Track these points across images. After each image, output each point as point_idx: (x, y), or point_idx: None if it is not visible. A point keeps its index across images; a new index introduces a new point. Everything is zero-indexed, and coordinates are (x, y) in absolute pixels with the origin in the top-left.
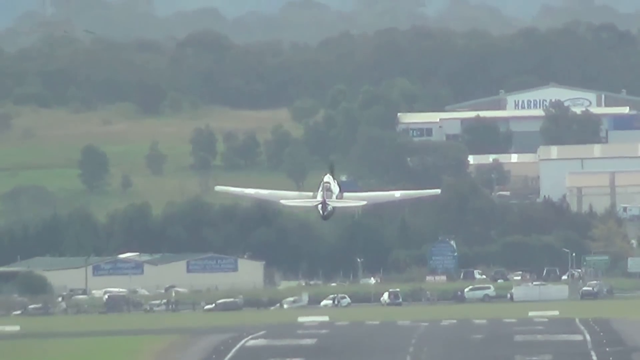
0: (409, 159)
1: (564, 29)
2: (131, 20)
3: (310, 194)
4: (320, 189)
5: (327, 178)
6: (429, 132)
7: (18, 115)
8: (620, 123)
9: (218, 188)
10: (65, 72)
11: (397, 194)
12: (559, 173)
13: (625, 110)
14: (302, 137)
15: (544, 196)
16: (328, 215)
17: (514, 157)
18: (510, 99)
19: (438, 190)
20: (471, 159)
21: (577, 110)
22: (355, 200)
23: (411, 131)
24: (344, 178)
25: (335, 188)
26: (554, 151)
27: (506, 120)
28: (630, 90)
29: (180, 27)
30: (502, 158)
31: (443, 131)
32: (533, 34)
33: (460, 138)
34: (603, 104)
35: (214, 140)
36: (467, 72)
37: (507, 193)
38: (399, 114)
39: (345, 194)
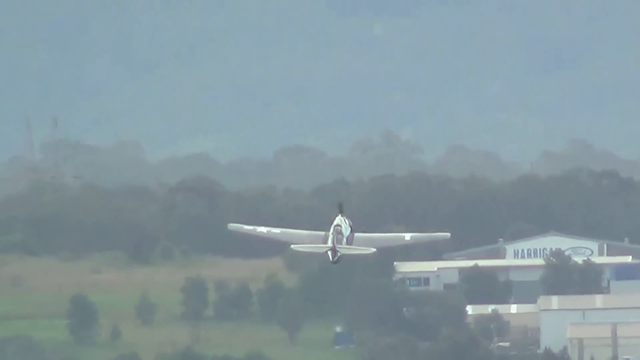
0: (405, 309)
1: (565, 176)
2: (121, 166)
3: (322, 234)
4: (332, 232)
5: (338, 220)
6: (426, 281)
7: (4, 264)
8: (623, 273)
9: (232, 226)
10: (53, 219)
11: (407, 236)
12: (560, 324)
13: (628, 259)
14: (296, 286)
15: (545, 347)
16: (337, 260)
17: (514, 308)
18: (510, 247)
19: (448, 235)
20: (470, 309)
21: (579, 259)
22: (366, 246)
23: (408, 280)
24: (338, 329)
25: (346, 230)
26: (555, 301)
27: (505, 269)
28: (633, 239)
29: (171, 172)
30: (502, 308)
31: (440, 280)
32: (533, 181)
33: (458, 288)
34: (605, 253)
35: (205, 289)
36: (465, 220)
37: (507, 344)
38: (395, 262)
39: (356, 235)
